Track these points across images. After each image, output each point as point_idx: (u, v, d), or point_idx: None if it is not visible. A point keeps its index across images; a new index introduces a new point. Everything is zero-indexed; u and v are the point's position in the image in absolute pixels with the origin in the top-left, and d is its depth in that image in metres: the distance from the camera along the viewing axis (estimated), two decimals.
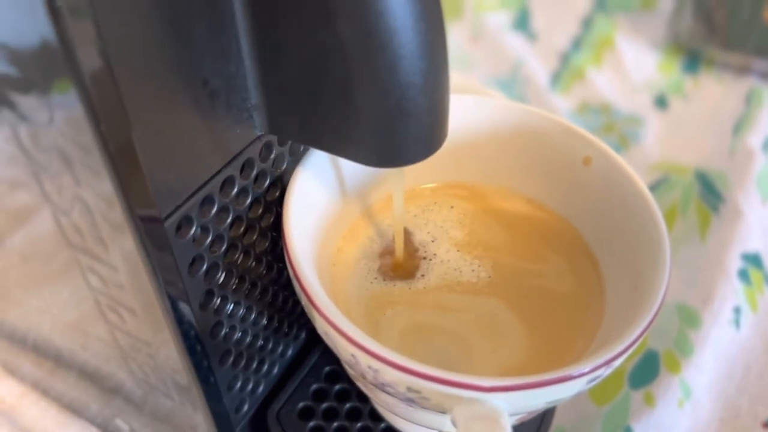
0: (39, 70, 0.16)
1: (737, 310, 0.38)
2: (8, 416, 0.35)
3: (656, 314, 0.21)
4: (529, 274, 0.26)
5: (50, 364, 0.33)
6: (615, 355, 0.20)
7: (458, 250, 0.27)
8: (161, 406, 0.28)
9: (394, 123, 0.20)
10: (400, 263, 0.26)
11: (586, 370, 0.19)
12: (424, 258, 0.27)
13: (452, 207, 0.29)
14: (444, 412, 0.20)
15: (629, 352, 0.20)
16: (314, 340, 0.31)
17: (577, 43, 0.59)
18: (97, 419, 0.34)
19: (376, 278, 0.26)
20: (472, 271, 0.26)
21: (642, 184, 0.24)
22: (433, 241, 0.27)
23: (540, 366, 0.23)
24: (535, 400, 0.20)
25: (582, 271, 0.26)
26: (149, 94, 0.17)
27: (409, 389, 0.20)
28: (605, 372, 0.20)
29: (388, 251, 0.27)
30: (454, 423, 0.19)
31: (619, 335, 0.20)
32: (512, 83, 0.55)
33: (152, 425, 0.30)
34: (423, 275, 0.26)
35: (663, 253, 0.22)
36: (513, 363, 0.23)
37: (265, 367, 0.28)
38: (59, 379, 0.33)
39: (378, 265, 0.26)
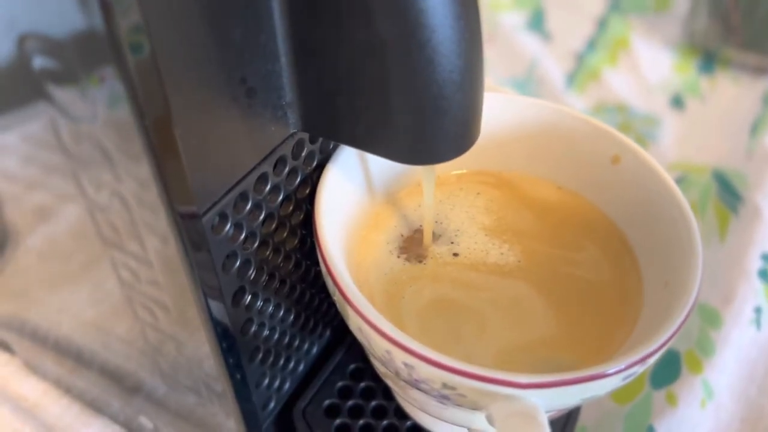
0: (81, 62, 0.16)
1: (758, 310, 0.38)
2: (31, 413, 0.35)
3: (689, 314, 0.21)
4: (562, 261, 0.26)
5: (71, 362, 0.33)
6: (650, 352, 0.20)
7: (486, 235, 0.27)
8: (185, 404, 0.28)
9: (430, 121, 0.20)
10: (426, 251, 0.26)
11: (622, 366, 0.19)
12: (449, 242, 0.27)
13: (478, 193, 0.28)
14: (478, 410, 0.20)
15: (664, 349, 0.20)
16: (339, 338, 0.31)
17: (592, 44, 0.59)
18: (119, 417, 0.34)
19: (398, 257, 0.26)
20: (501, 254, 0.26)
21: (673, 183, 0.24)
22: (459, 229, 0.27)
23: (572, 353, 0.23)
24: (571, 397, 0.20)
25: (619, 261, 0.26)
26: (191, 91, 0.17)
27: (445, 386, 0.20)
28: (640, 369, 0.20)
29: (413, 237, 0.27)
30: (490, 420, 0.19)
31: (653, 332, 0.20)
32: (527, 83, 0.55)
33: (176, 423, 0.31)
34: (445, 252, 0.26)
35: (695, 252, 0.22)
36: (531, 344, 0.23)
37: (292, 365, 0.28)
38: (81, 376, 0.33)
39: (401, 245, 0.26)
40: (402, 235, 0.27)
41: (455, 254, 0.26)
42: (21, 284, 0.29)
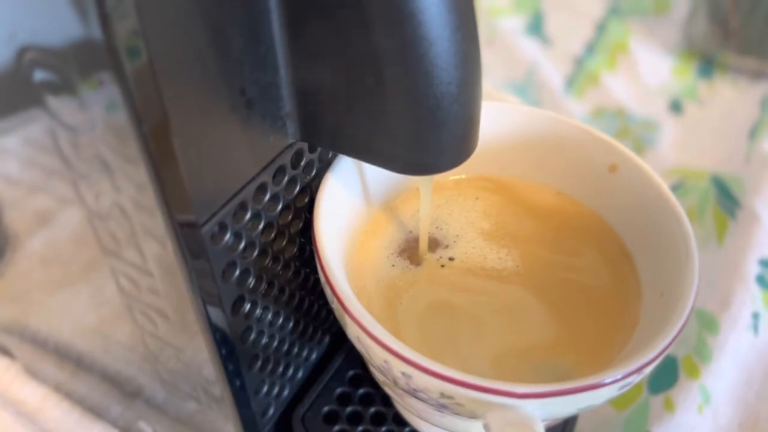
0: (80, 72, 0.16)
1: (755, 316, 0.38)
2: (31, 418, 0.35)
3: (684, 325, 0.21)
4: (560, 266, 0.26)
5: (71, 366, 0.33)
6: (646, 362, 0.20)
7: (484, 239, 0.27)
8: (184, 409, 0.28)
9: (427, 132, 0.20)
10: (423, 258, 0.27)
11: (619, 377, 0.19)
12: (446, 247, 0.27)
13: (477, 198, 0.29)
14: (475, 418, 0.20)
15: (659, 359, 0.20)
16: (337, 344, 0.31)
17: (591, 48, 0.59)
18: (119, 422, 0.34)
19: (393, 265, 0.26)
20: (499, 259, 0.26)
21: (670, 194, 0.24)
22: (458, 234, 0.27)
23: (570, 358, 0.23)
24: (567, 407, 0.20)
25: (617, 267, 0.26)
26: (190, 101, 0.17)
27: (443, 395, 0.20)
28: (637, 378, 0.20)
29: (410, 245, 0.27)
30: (487, 429, 0.19)
31: (650, 341, 0.20)
32: (526, 87, 0.56)
33: (175, 428, 0.31)
34: (442, 256, 0.26)
35: (691, 263, 0.22)
36: (529, 349, 0.23)
37: (291, 371, 0.28)
38: (80, 381, 0.34)
39: (399, 251, 0.26)
40: (400, 241, 0.27)
41: (453, 259, 0.26)
42: (21, 289, 0.29)
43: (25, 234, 0.25)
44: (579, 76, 0.57)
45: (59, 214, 0.23)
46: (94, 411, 0.35)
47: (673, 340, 0.20)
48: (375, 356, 0.21)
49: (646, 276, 0.24)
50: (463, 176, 0.30)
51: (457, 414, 0.21)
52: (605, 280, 0.25)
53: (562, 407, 0.20)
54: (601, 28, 0.62)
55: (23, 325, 0.33)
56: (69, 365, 0.33)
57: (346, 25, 0.18)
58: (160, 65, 0.16)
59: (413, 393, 0.21)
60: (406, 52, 0.18)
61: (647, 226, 0.25)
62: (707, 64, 0.58)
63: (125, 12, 0.15)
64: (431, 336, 0.24)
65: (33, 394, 0.36)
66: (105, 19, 0.14)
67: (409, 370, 0.20)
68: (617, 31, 0.61)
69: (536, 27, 0.62)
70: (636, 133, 0.51)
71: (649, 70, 0.57)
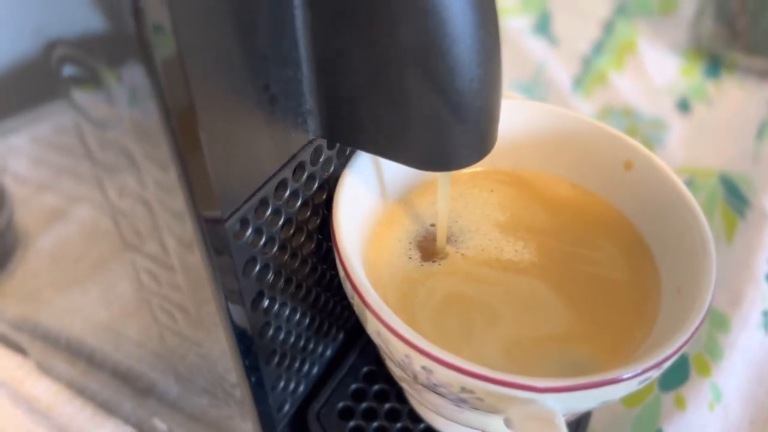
0: (108, 66, 0.16)
1: (766, 314, 0.38)
2: (44, 415, 0.35)
3: (703, 319, 0.21)
4: (578, 258, 0.26)
5: (84, 363, 0.34)
6: (666, 356, 0.20)
7: (500, 232, 0.27)
8: (199, 406, 0.29)
9: (448, 128, 0.20)
10: (439, 251, 0.27)
11: (639, 371, 0.19)
12: (462, 239, 0.27)
13: (492, 191, 0.29)
14: (495, 413, 0.20)
15: (678, 354, 0.20)
16: (351, 340, 0.31)
17: (598, 47, 0.60)
18: (131, 418, 0.34)
19: (412, 255, 0.26)
20: (516, 251, 0.26)
21: (687, 191, 0.24)
22: (473, 226, 0.27)
23: (588, 350, 0.23)
24: (588, 401, 0.20)
25: (636, 260, 0.26)
26: (216, 96, 0.17)
27: (463, 389, 0.20)
28: (656, 373, 0.20)
29: (426, 238, 0.27)
30: (508, 423, 0.19)
31: (669, 336, 0.20)
32: (534, 87, 0.56)
33: (189, 425, 0.31)
34: (458, 249, 0.26)
35: (708, 260, 0.23)
36: (546, 341, 0.23)
37: (306, 367, 0.28)
38: (93, 378, 0.34)
39: (415, 243, 0.27)
40: (415, 234, 0.27)
41: (469, 251, 0.26)
42: (34, 286, 0.29)
43: (39, 231, 0.25)
44: (586, 75, 0.57)
45: (81, 213, 0.23)
46: (107, 407, 0.35)
47: (693, 335, 0.20)
48: (395, 351, 0.21)
49: (665, 270, 0.25)
50: (479, 169, 0.30)
51: (476, 408, 0.21)
52: (624, 273, 0.25)
53: (582, 401, 0.20)
54: (608, 27, 0.62)
55: (36, 322, 0.33)
56: (81, 362, 0.33)
57: (370, 21, 0.18)
58: (189, 59, 0.16)
59: (432, 388, 0.21)
60: (430, 48, 0.18)
61: (664, 222, 0.25)
62: (715, 64, 0.58)
63: (157, 5, 0.15)
64: (446, 328, 0.24)
65: (46, 391, 0.36)
66: (138, 13, 0.15)
67: (431, 364, 0.20)
68: (624, 31, 0.61)
69: (543, 27, 0.62)
70: (644, 132, 0.52)
71: (656, 70, 0.57)
